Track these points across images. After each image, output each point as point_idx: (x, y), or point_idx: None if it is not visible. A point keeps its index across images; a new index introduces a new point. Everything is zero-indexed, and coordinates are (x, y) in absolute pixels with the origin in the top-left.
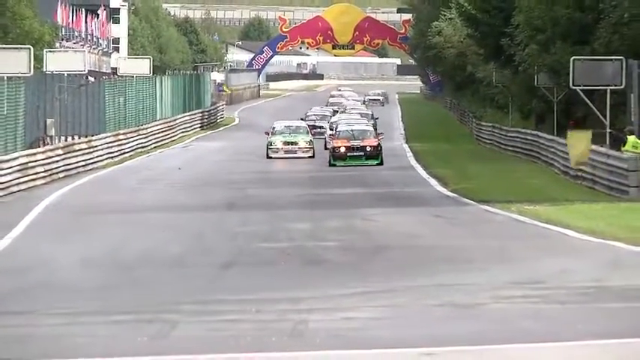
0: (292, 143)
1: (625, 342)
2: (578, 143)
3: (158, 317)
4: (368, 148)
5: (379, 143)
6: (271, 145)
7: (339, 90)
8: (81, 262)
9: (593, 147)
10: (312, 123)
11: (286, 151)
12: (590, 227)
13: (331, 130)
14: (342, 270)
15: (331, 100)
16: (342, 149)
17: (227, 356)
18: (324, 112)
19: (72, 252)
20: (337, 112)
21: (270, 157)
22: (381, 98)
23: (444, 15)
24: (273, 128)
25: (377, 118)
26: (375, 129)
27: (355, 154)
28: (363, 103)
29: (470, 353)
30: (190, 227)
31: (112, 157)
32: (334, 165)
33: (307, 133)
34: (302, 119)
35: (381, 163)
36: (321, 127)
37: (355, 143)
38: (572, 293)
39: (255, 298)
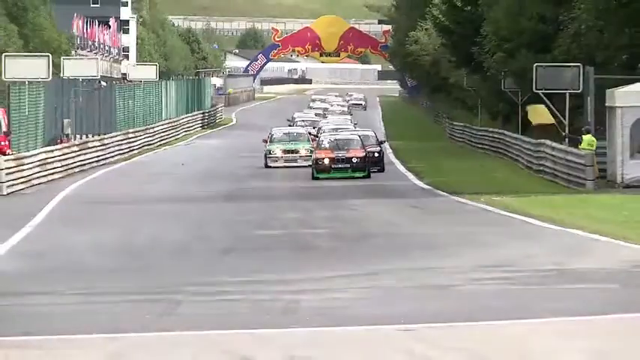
0: (293, 151)
1: (583, 319)
2: (539, 115)
3: (164, 297)
4: (354, 160)
5: (367, 154)
6: (270, 153)
7: (322, 96)
8: (95, 248)
9: (554, 144)
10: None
11: (286, 160)
12: (551, 216)
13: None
14: (330, 255)
15: (311, 104)
16: (326, 161)
17: (227, 332)
18: (312, 117)
19: (86, 238)
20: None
21: (269, 167)
22: (362, 102)
23: (420, 26)
24: (272, 135)
25: (356, 124)
26: (376, 137)
27: (340, 166)
28: (348, 109)
29: (444, 329)
30: (193, 216)
31: (122, 154)
32: (317, 178)
33: (308, 140)
34: (289, 121)
35: (367, 176)
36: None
37: (340, 154)
38: (535, 275)
39: (251, 280)
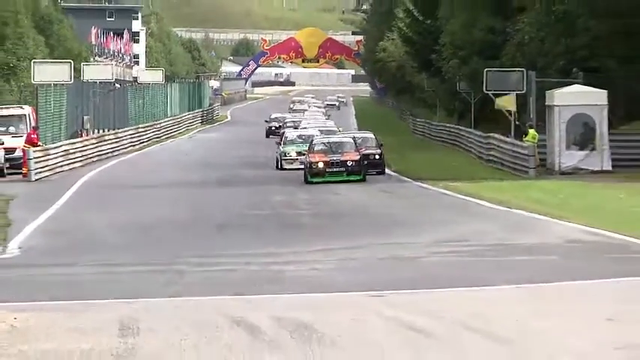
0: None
1: (527, 286)
2: (505, 101)
3: (170, 268)
4: (349, 163)
5: (361, 157)
6: (285, 155)
7: (301, 98)
8: (110, 226)
9: (501, 137)
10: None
11: (302, 162)
12: (499, 199)
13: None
14: (311, 231)
15: (292, 106)
16: (321, 165)
17: (222, 297)
18: (287, 116)
19: (103, 218)
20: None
21: (284, 169)
22: (337, 103)
23: (388, 36)
24: (286, 137)
25: (328, 117)
26: (376, 139)
27: (335, 169)
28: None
29: (409, 295)
30: (193, 198)
31: (133, 146)
32: (311, 182)
33: None
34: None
35: (363, 180)
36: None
37: (334, 158)
38: (486, 249)
39: (243, 253)
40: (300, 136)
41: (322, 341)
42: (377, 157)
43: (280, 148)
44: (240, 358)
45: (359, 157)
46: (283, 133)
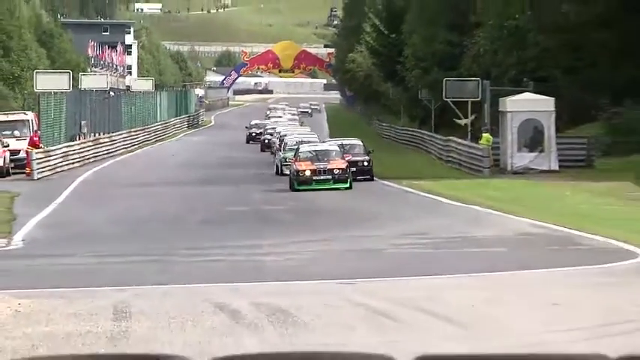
0: None
1: (481, 275)
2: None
3: (159, 258)
4: (336, 171)
5: (348, 165)
6: (285, 161)
7: (276, 105)
8: (105, 220)
9: (459, 140)
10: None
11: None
12: (457, 196)
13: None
14: (288, 225)
15: (269, 113)
16: (308, 173)
17: (207, 285)
18: (265, 123)
19: (99, 213)
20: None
21: (285, 174)
22: (309, 110)
23: (357, 49)
24: (285, 144)
25: (302, 123)
26: (364, 146)
27: (322, 177)
28: (298, 116)
29: (376, 283)
30: (180, 196)
31: (126, 148)
32: (297, 190)
33: None
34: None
35: (349, 188)
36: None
37: (321, 166)
38: (444, 241)
39: (227, 245)
40: (299, 142)
41: (297, 324)
42: (365, 163)
43: (280, 154)
44: (223, 339)
45: (345, 165)
46: (283, 139)
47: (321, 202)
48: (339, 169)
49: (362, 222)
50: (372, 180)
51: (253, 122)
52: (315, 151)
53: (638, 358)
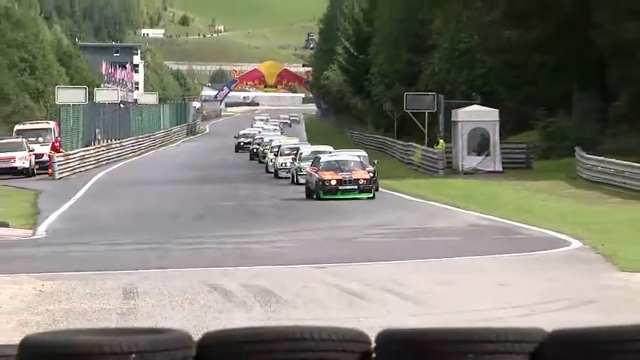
0: None
1: (436, 260)
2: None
3: (161, 246)
4: (361, 181)
5: (373, 175)
6: (300, 170)
7: (261, 117)
8: (115, 214)
9: (418, 145)
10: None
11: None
12: (418, 193)
13: (258, 145)
14: (271, 218)
15: (255, 124)
16: (334, 182)
17: (202, 269)
18: (253, 132)
19: (110, 207)
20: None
21: (300, 183)
22: (289, 121)
23: (330, 68)
24: (301, 154)
25: (282, 132)
26: (368, 157)
27: (347, 187)
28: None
29: (346, 267)
30: (179, 193)
31: (134, 152)
32: (322, 199)
33: None
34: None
35: (372, 197)
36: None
37: (346, 176)
38: (406, 232)
39: (218, 235)
40: (313, 152)
41: (279, 302)
42: (370, 174)
43: (296, 163)
44: (216, 314)
45: (369, 175)
46: (298, 149)
47: (298, 198)
48: (364, 179)
49: (333, 215)
50: (377, 190)
51: (242, 132)
52: (337, 161)
53: (569, 330)
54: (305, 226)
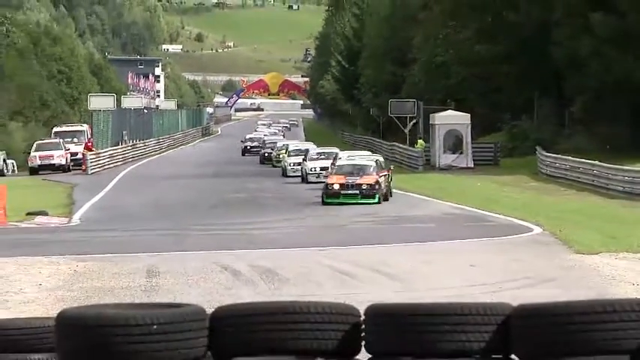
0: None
1: (416, 244)
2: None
3: (180, 232)
4: (364, 187)
5: (378, 180)
6: (311, 170)
7: (263, 122)
8: (139, 204)
9: (401, 145)
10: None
11: (325, 176)
12: (399, 186)
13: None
14: (275, 207)
15: (258, 128)
16: (336, 186)
17: (215, 251)
18: (259, 136)
19: (135, 199)
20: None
21: (310, 182)
22: (288, 125)
23: (325, 78)
24: (311, 155)
25: (283, 135)
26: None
27: (350, 192)
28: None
29: (340, 249)
30: (195, 186)
31: (156, 151)
32: (327, 203)
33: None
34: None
35: (378, 203)
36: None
37: (350, 180)
38: (389, 220)
39: (229, 222)
40: (319, 153)
41: (281, 280)
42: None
43: (305, 163)
44: (228, 290)
45: (374, 180)
46: (307, 150)
47: (299, 191)
48: (367, 184)
49: (327, 206)
50: (379, 203)
51: (247, 136)
52: (352, 165)
53: (532, 305)
54: (303, 215)
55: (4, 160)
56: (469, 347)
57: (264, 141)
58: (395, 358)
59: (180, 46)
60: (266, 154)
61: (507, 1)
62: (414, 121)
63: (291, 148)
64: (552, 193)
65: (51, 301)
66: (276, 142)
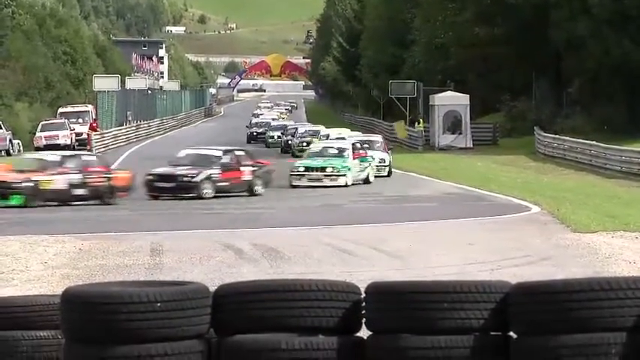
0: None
1: (415, 223)
2: (399, 129)
3: (183, 212)
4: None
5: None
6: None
7: (263, 104)
8: (143, 184)
9: (404, 126)
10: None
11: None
12: (400, 165)
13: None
14: (276, 192)
15: (258, 110)
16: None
17: (217, 231)
18: (265, 119)
19: (139, 178)
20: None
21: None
22: (290, 107)
23: (326, 60)
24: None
25: (284, 117)
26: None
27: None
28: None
29: (340, 228)
30: None
31: (159, 132)
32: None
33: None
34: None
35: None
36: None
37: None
38: (390, 199)
39: (230, 202)
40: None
41: (282, 258)
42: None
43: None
44: (230, 268)
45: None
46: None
47: None
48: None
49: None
50: (389, 176)
51: (254, 121)
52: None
53: (530, 283)
54: (302, 195)
55: (10, 140)
56: (468, 324)
57: (285, 126)
58: (395, 335)
59: (184, 28)
60: (288, 142)
61: None
62: (419, 99)
63: (327, 134)
64: (550, 173)
65: (56, 279)
66: (297, 128)
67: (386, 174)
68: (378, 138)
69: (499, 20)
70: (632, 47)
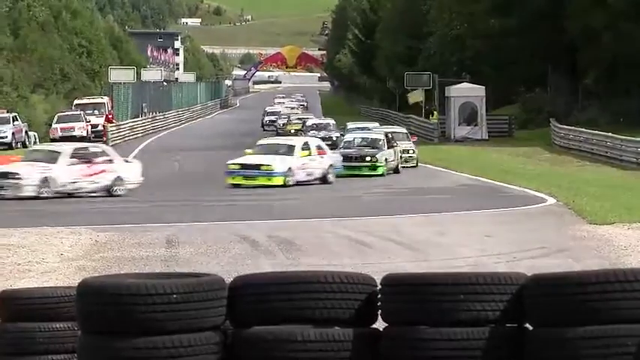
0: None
1: (431, 215)
2: (414, 97)
3: (198, 203)
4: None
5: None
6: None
7: (278, 99)
8: (159, 175)
9: (417, 117)
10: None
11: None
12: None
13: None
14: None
15: (275, 103)
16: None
17: (233, 222)
18: (278, 109)
19: (155, 170)
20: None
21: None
22: (304, 104)
23: (342, 51)
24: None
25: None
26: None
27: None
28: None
29: (354, 220)
30: (212, 157)
31: (175, 123)
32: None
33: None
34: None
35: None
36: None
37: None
38: (405, 191)
39: (244, 193)
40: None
41: (297, 249)
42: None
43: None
44: (245, 261)
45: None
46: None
47: None
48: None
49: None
50: (416, 166)
51: (269, 109)
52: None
53: (546, 275)
54: (316, 187)
55: (27, 132)
56: (484, 316)
57: (288, 115)
58: (411, 326)
59: (199, 20)
60: (268, 121)
61: None
62: (435, 91)
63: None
64: (566, 165)
65: (72, 271)
66: (329, 123)
67: (414, 164)
68: (401, 129)
69: (515, 11)
70: None
